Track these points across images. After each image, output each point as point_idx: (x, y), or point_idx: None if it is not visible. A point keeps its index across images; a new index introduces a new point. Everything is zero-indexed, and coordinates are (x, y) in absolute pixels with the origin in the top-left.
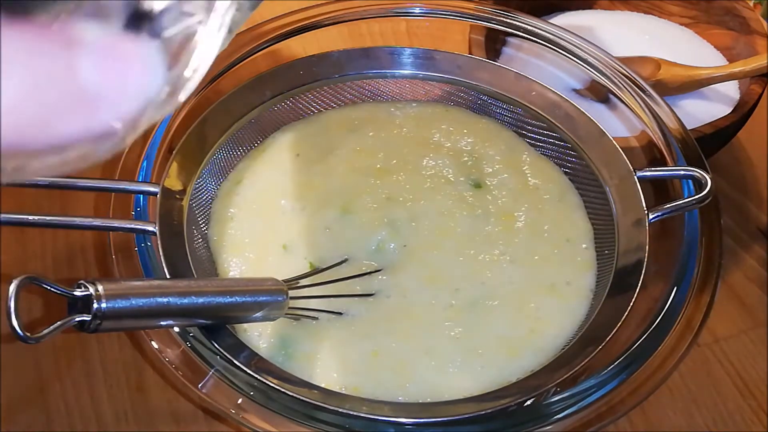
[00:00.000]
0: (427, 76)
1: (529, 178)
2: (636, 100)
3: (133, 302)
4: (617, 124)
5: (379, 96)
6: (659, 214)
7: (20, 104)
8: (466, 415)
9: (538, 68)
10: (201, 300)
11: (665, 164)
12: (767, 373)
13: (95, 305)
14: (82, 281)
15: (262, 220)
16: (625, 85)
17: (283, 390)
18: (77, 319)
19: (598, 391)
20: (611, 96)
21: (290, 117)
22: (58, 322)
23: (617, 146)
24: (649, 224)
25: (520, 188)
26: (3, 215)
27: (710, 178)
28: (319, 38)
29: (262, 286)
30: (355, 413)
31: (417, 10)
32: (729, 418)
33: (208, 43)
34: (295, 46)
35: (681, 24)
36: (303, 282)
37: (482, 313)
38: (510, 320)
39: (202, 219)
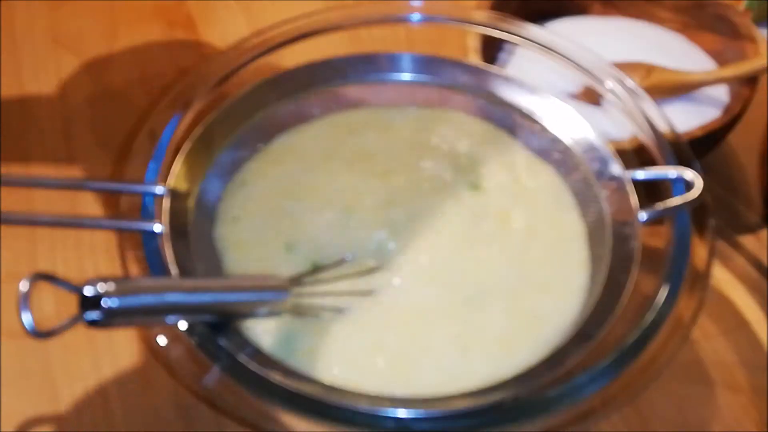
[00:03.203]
0: (425, 80)
1: (524, 180)
2: (628, 103)
3: (142, 299)
4: (610, 127)
5: (378, 100)
6: (651, 214)
7: None
8: (463, 409)
9: (534, 73)
10: (207, 297)
11: (657, 166)
12: (763, 370)
13: (105, 302)
14: (92, 279)
15: (266, 221)
16: (617, 89)
17: (285, 384)
18: (87, 315)
19: (591, 386)
20: (604, 100)
21: (293, 120)
22: (69, 319)
23: (610, 148)
24: (641, 224)
25: (515, 189)
26: (15, 215)
27: (701, 179)
28: (320, 44)
29: (267, 284)
30: (355, 407)
31: (416, 17)
32: (719, 413)
33: None
34: (298, 51)
35: (672, 30)
36: (305, 280)
37: (479, 311)
38: (506, 318)
39: (207, 219)
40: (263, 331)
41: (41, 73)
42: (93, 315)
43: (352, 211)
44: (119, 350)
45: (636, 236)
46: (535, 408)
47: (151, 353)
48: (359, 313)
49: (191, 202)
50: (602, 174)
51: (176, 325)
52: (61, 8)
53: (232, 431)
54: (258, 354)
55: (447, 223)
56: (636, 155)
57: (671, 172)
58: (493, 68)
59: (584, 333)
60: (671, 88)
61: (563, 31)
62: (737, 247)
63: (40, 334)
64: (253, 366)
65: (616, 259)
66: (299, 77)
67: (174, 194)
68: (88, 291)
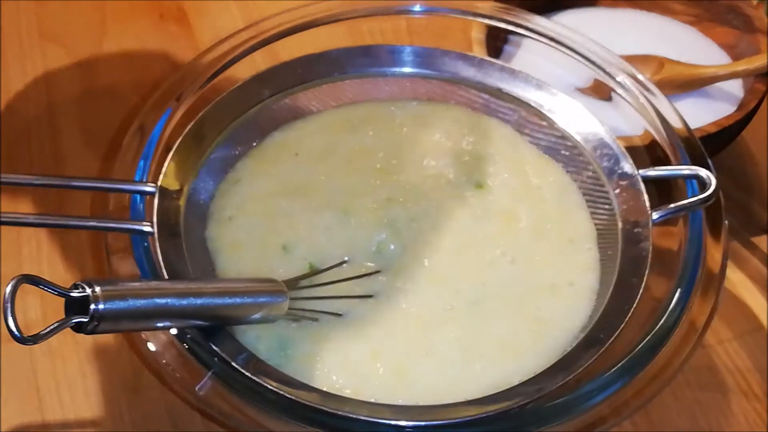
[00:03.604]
0: (427, 74)
1: (531, 178)
2: (639, 98)
3: (131, 303)
4: (620, 123)
5: (379, 95)
6: (663, 213)
7: None
8: (468, 418)
9: (540, 66)
10: (200, 301)
11: (669, 163)
12: None
13: (93, 306)
14: (79, 282)
15: (261, 221)
16: (628, 83)
17: (281, 392)
18: (75, 320)
19: (601, 393)
20: (614, 94)
21: (289, 116)
22: (56, 323)
23: (620, 145)
24: (652, 224)
25: (521, 188)
26: None
27: (714, 178)
28: (318, 36)
29: (262, 287)
30: (354, 416)
31: (417, 8)
32: (733, 420)
33: None
34: (294, 44)
35: (684, 22)
36: (303, 283)
37: (483, 314)
38: (512, 322)
39: (200, 219)
40: (258, 337)
41: (28, 68)
42: (80, 319)
43: (351, 210)
44: (108, 356)
45: (647, 237)
46: (543, 416)
47: (141, 359)
48: (359, 317)
49: (182, 201)
50: (612, 172)
51: (167, 330)
52: (49, 2)
53: None
54: (253, 360)
55: (450, 224)
56: (647, 152)
57: (684, 170)
58: (498, 62)
59: (593, 338)
60: (683, 83)
61: (571, 23)
62: (752, 248)
63: (25, 339)
64: (248, 373)
65: (627, 261)
66: (295, 71)
67: (164, 193)
68: (75, 294)
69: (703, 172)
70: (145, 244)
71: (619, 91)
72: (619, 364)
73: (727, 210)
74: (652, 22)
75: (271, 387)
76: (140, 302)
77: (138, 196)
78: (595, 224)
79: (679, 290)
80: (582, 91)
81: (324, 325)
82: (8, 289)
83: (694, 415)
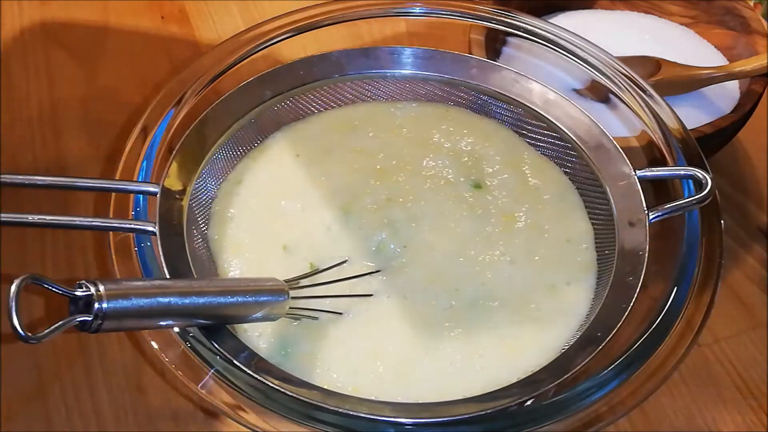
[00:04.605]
0: (426, 76)
1: (530, 179)
2: (636, 99)
3: (134, 302)
4: (617, 124)
5: (378, 96)
6: (659, 214)
7: None
8: (466, 416)
9: (538, 68)
10: (202, 300)
11: (665, 164)
12: (767, 374)
13: (96, 305)
14: (83, 281)
15: (262, 221)
16: (625, 84)
17: (282, 390)
18: (78, 319)
19: (598, 391)
20: (611, 96)
21: (290, 117)
22: (60, 322)
23: (617, 146)
24: (649, 224)
25: (520, 188)
26: (3, 215)
27: (710, 178)
28: (318, 38)
29: (263, 286)
30: (355, 413)
31: (417, 10)
32: (729, 418)
33: None
34: (295, 46)
35: (681, 24)
36: (303, 282)
37: (482, 313)
38: (510, 320)
39: (201, 219)
40: (259, 335)
41: (31, 69)
42: (84, 318)
43: (351, 210)
44: (111, 355)
45: (644, 237)
46: (541, 414)
47: (144, 358)
48: (359, 316)
49: (185, 202)
50: (610, 172)
51: (170, 329)
52: (52, 4)
53: None
54: (254, 358)
55: (449, 224)
56: (644, 152)
57: (680, 170)
58: (497, 63)
59: (591, 336)
60: (680, 84)
61: (569, 25)
62: (747, 247)
63: (29, 337)
64: (250, 371)
65: (624, 260)
66: (296, 72)
67: (167, 193)
68: (78, 293)
69: (700, 173)
70: (148, 243)
71: (617, 92)
72: (616, 363)
73: (723, 210)
74: (650, 23)
75: (272, 385)
76: (143, 301)
77: (141, 197)
78: (593, 224)
79: (675, 289)
80: (579, 92)
81: (324, 323)
82: (13, 288)
83: (690, 414)
